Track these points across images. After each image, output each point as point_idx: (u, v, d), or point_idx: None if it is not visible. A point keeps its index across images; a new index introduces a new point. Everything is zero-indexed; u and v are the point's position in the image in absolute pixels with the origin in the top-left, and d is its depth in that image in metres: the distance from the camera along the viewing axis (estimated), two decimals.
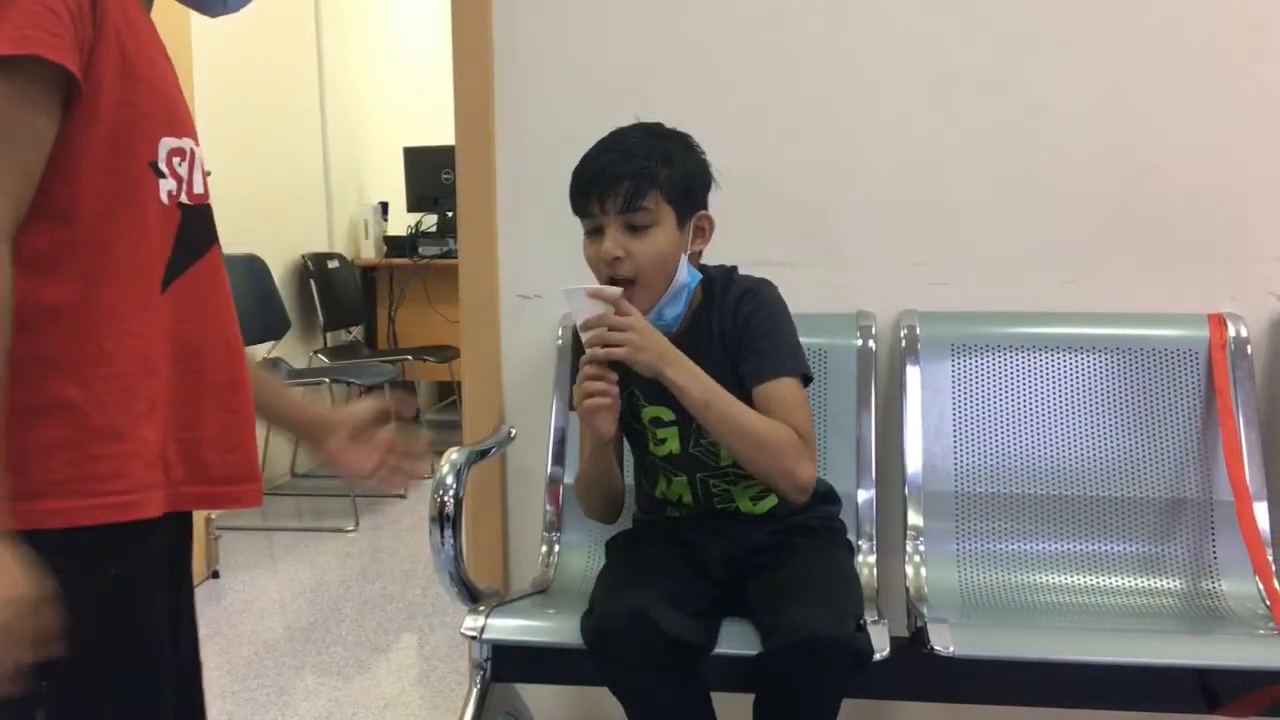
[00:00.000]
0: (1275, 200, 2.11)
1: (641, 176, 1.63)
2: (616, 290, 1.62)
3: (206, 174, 1.28)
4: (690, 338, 1.72)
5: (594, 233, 1.69)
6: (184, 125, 1.21)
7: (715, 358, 1.69)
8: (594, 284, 1.66)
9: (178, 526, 1.26)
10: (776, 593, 1.68)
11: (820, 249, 2.18)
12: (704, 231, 1.74)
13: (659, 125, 1.73)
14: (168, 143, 1.17)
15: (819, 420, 2.08)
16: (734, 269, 1.81)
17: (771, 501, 1.82)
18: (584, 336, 1.63)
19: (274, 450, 4.77)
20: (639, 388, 1.75)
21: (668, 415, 1.77)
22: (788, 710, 1.64)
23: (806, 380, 1.72)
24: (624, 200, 1.63)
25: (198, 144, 1.24)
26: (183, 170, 1.20)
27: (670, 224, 1.66)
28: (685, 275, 1.70)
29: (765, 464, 1.65)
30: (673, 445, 1.79)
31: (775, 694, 1.65)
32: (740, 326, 1.71)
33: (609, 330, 1.58)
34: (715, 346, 1.71)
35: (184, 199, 1.20)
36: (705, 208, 1.73)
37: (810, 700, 1.62)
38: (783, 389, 1.67)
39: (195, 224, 1.22)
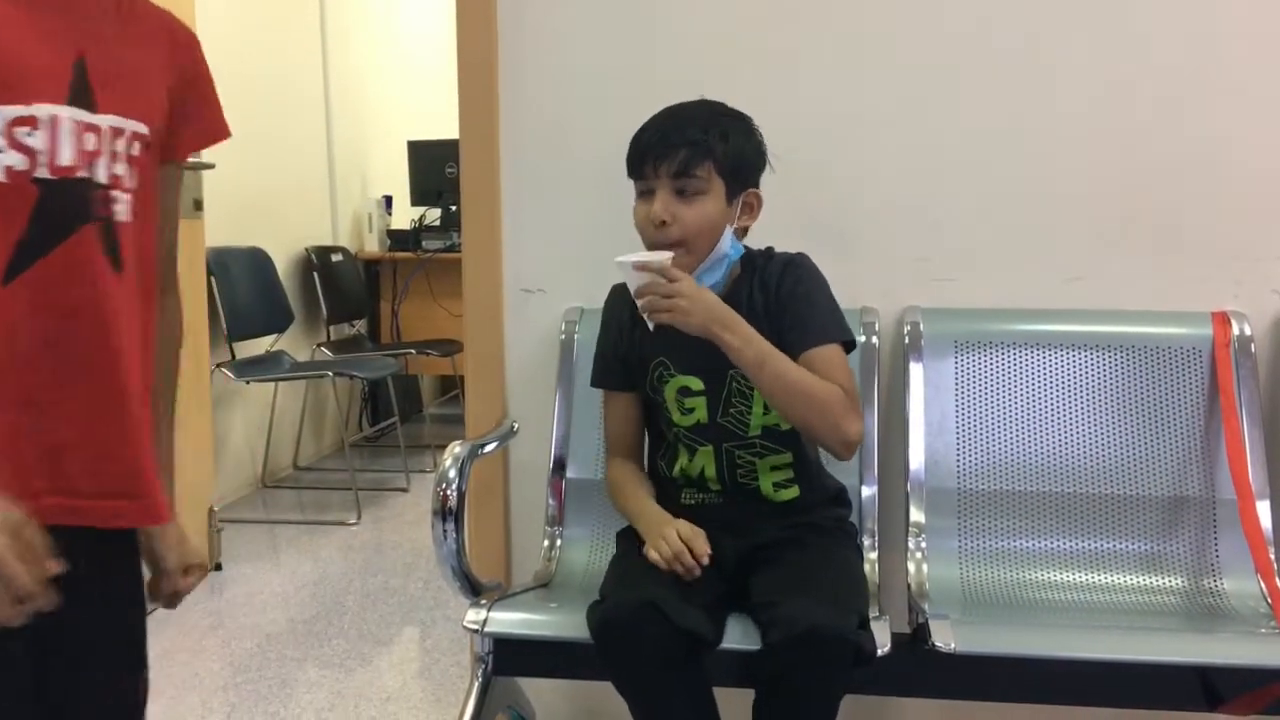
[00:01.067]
0: (1278, 198, 2.10)
1: (697, 146, 1.69)
2: (664, 256, 1.64)
3: (132, 153, 1.17)
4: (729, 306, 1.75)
5: (645, 194, 1.74)
6: (34, 89, 1.07)
7: (755, 325, 1.71)
8: (643, 253, 1.69)
9: (86, 542, 1.12)
10: (779, 587, 1.68)
11: (823, 245, 2.16)
12: (752, 208, 1.79)
13: (721, 104, 1.79)
14: (6, 111, 1.05)
15: None
16: (771, 248, 1.85)
17: (793, 493, 1.82)
18: (639, 304, 1.66)
19: (277, 443, 4.78)
20: (669, 357, 1.80)
21: (697, 384, 1.80)
22: (788, 706, 1.64)
23: (849, 346, 1.77)
24: (678, 166, 1.69)
25: (68, 105, 1.10)
26: (36, 141, 1.07)
27: (720, 195, 1.72)
28: (728, 246, 1.75)
29: (816, 420, 1.68)
30: (700, 415, 1.80)
31: (775, 689, 1.65)
32: (785, 296, 1.76)
33: (660, 298, 1.62)
34: (755, 315, 1.74)
35: (41, 173, 1.07)
36: (756, 186, 1.79)
37: (810, 696, 1.62)
38: (828, 353, 1.72)
39: (60, 200, 1.09)
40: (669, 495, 1.87)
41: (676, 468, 1.86)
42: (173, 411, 1.42)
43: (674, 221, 1.70)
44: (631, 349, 1.86)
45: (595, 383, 1.95)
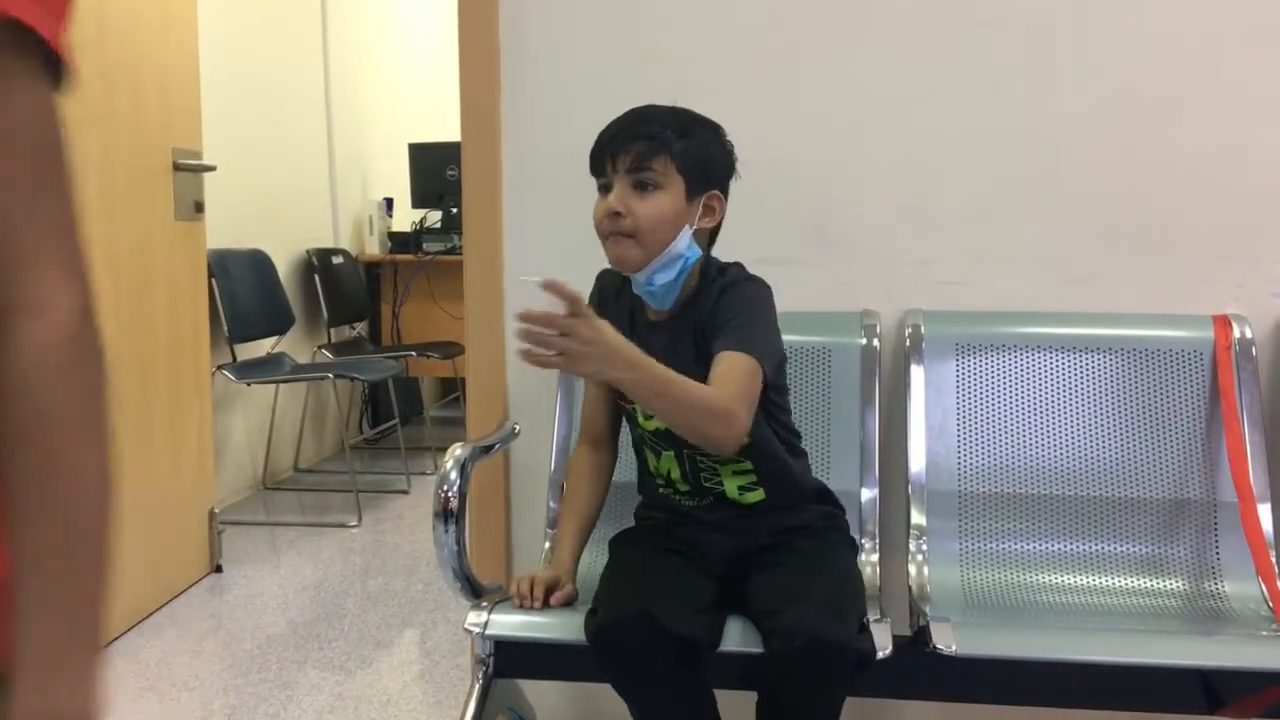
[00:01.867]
0: None
1: (654, 140, 1.68)
2: (574, 293, 1.46)
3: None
4: (678, 324, 1.76)
5: (604, 189, 1.72)
6: None
7: (689, 345, 1.72)
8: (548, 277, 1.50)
9: None
10: (778, 594, 1.68)
11: (824, 247, 2.18)
12: (713, 211, 1.76)
13: (690, 110, 1.76)
14: None
15: (823, 418, 2.10)
16: (738, 265, 1.81)
17: (758, 495, 1.81)
18: (515, 329, 1.46)
19: (278, 445, 4.78)
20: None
21: None
22: (790, 712, 1.65)
23: (766, 371, 1.67)
24: (633, 160, 1.68)
25: None
26: None
27: (677, 192, 1.69)
28: (684, 246, 1.71)
29: (703, 432, 1.63)
30: (659, 421, 1.76)
31: (778, 695, 1.65)
32: (724, 303, 1.71)
33: (559, 336, 1.45)
34: (695, 334, 1.73)
35: None
36: (722, 191, 1.76)
37: (813, 701, 1.62)
38: (733, 359, 1.64)
39: None
40: (649, 488, 1.91)
41: (650, 466, 1.88)
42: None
43: (627, 213, 1.67)
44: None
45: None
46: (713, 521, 1.82)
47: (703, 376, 1.64)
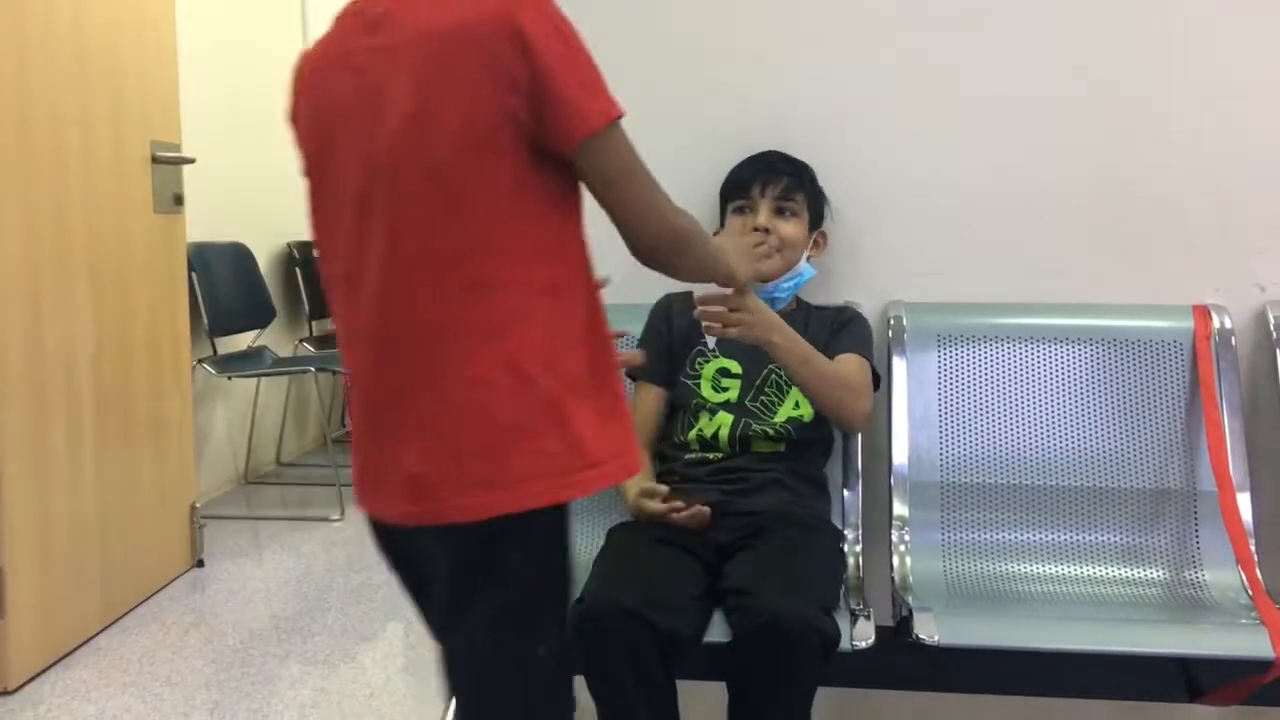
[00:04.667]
0: (1259, 192, 2.12)
1: (795, 177, 2.04)
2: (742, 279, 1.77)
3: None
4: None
5: (740, 210, 2.05)
6: None
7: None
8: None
9: None
10: (747, 577, 1.71)
11: None
12: (819, 245, 2.11)
13: (797, 159, 2.09)
14: None
15: None
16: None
17: (780, 447, 1.98)
18: (698, 311, 1.79)
19: (259, 439, 4.76)
20: (719, 344, 2.01)
21: (736, 368, 2.02)
22: (758, 696, 1.65)
23: (875, 379, 2.01)
24: (782, 189, 2.02)
25: None
26: None
27: (804, 223, 2.05)
28: (804, 265, 2.05)
29: (845, 400, 1.92)
30: (732, 395, 1.99)
31: (746, 681, 1.66)
32: (843, 319, 2.05)
33: (730, 311, 1.76)
34: (807, 332, 1.96)
35: None
36: (822, 226, 2.11)
37: (779, 684, 1.63)
38: (855, 361, 1.98)
39: None
40: (672, 460, 2.00)
41: (693, 432, 1.99)
42: None
43: (774, 230, 1.99)
44: (678, 338, 2.06)
45: (631, 373, 2.08)
46: (714, 483, 1.93)
47: None
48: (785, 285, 2.02)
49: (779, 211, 2.01)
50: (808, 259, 2.06)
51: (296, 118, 1.39)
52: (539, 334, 1.27)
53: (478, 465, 1.25)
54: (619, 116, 1.26)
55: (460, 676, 1.40)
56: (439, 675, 1.45)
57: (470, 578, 1.32)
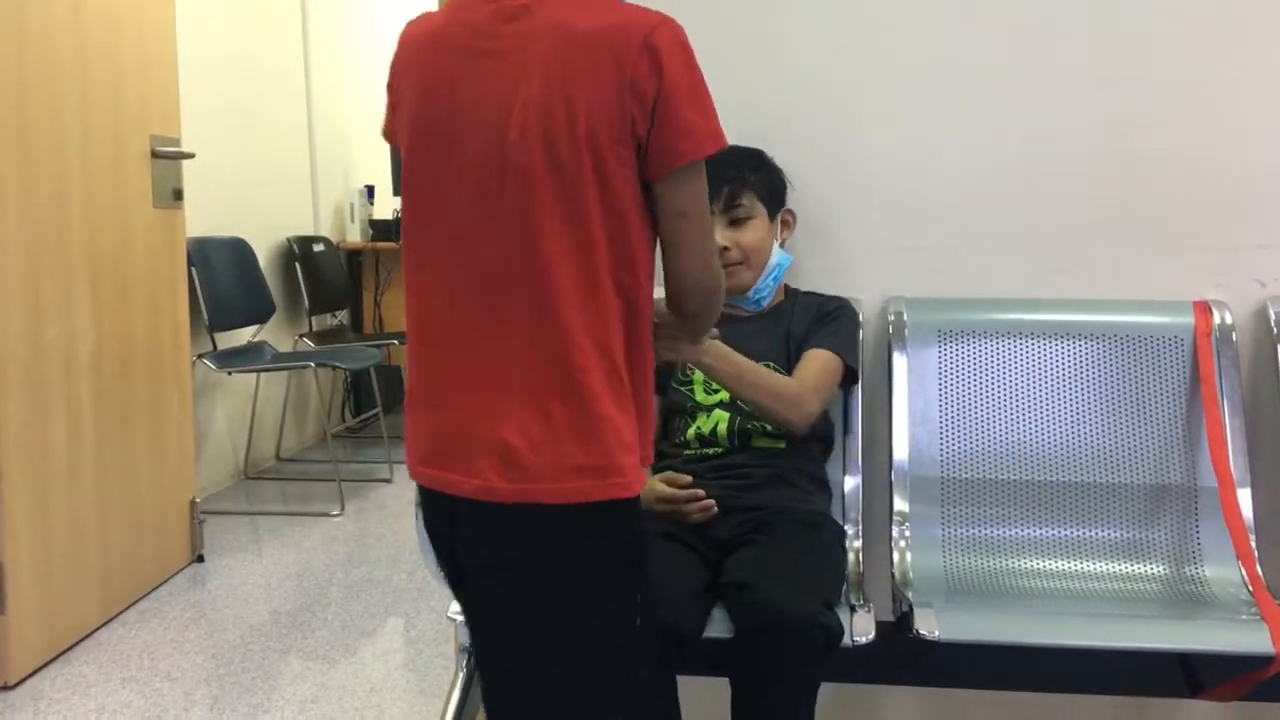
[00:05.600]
0: (1261, 187, 2.11)
1: (737, 181, 1.98)
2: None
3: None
4: (766, 319, 2.04)
5: None
6: None
7: (785, 331, 2.02)
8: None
9: None
10: (749, 571, 1.72)
11: (808, 235, 2.17)
12: (789, 224, 2.09)
13: (737, 144, 1.95)
14: None
15: None
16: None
17: (779, 444, 1.98)
18: None
19: (259, 434, 4.76)
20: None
21: None
22: (761, 692, 1.65)
23: (850, 373, 2.01)
24: (725, 201, 1.97)
25: None
26: None
27: (763, 217, 2.01)
28: (777, 257, 2.03)
29: (773, 412, 1.91)
30: (725, 395, 1.98)
31: (749, 677, 1.66)
32: (826, 309, 2.05)
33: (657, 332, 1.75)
34: (793, 323, 2.03)
35: None
36: (786, 205, 2.08)
37: (782, 679, 1.64)
38: (823, 356, 1.97)
39: None
40: (672, 458, 1.99)
41: (691, 431, 2.00)
42: None
43: (733, 246, 1.97)
44: None
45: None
46: (714, 478, 1.92)
47: (795, 357, 1.98)
48: (763, 286, 2.02)
49: (733, 223, 1.99)
50: (780, 244, 2.05)
51: (399, 85, 1.44)
52: (622, 332, 1.33)
53: (575, 449, 1.29)
54: (722, 148, 1.33)
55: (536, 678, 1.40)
56: (470, 664, 1.47)
57: (555, 565, 1.35)
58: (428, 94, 1.38)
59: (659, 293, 1.42)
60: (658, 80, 1.28)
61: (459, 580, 1.47)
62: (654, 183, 1.32)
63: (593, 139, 1.27)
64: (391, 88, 1.46)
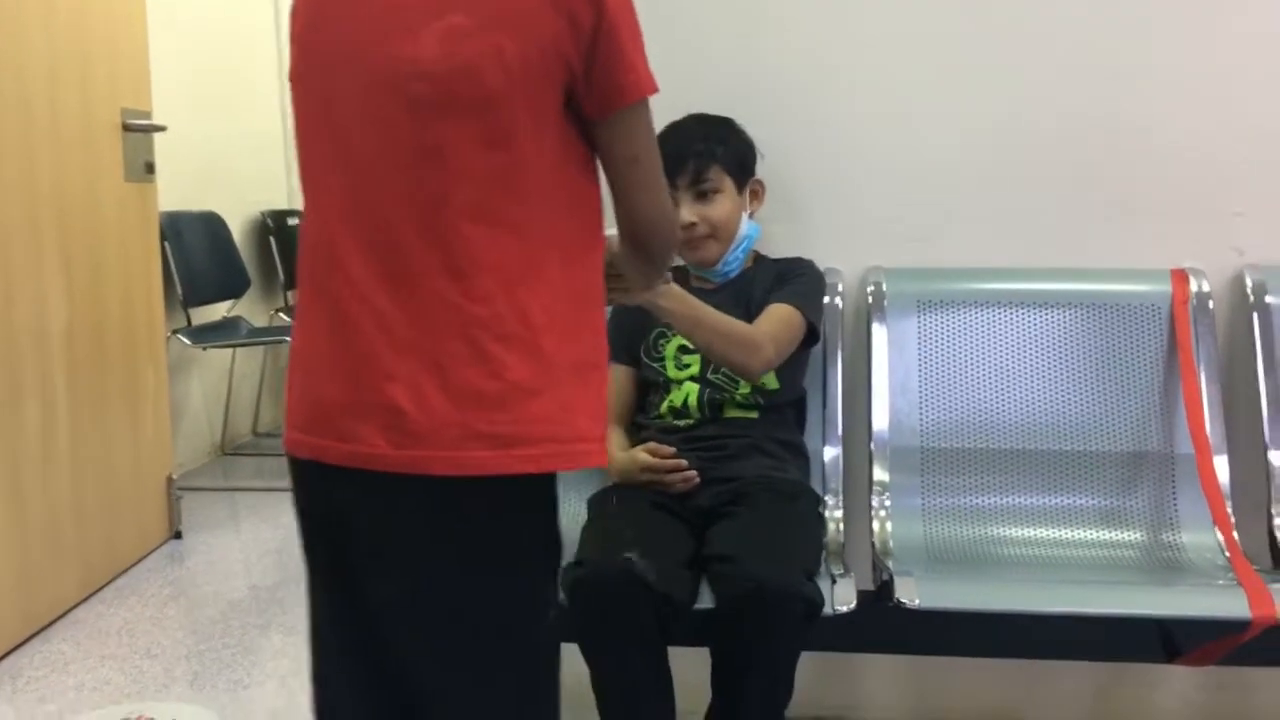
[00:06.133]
0: (1236, 156, 2.12)
1: (703, 155, 1.96)
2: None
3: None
4: (732, 289, 2.03)
5: None
6: None
7: (749, 298, 1.99)
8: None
9: None
10: (729, 542, 1.73)
11: (786, 207, 2.17)
12: (758, 194, 2.08)
13: (705, 114, 2.03)
14: None
15: None
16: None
17: (754, 414, 1.98)
18: None
19: (236, 409, 4.74)
20: None
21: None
22: (743, 662, 1.67)
23: (812, 331, 1.98)
24: (691, 176, 1.95)
25: None
26: None
27: (731, 190, 1.99)
28: (745, 228, 2.03)
29: (730, 358, 1.89)
30: (694, 369, 1.99)
31: (731, 647, 1.67)
32: (789, 269, 2.04)
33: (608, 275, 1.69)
34: (756, 288, 2.00)
35: None
36: (755, 175, 2.05)
37: (763, 650, 1.65)
38: (785, 310, 1.95)
39: None
40: (646, 430, 2.00)
41: (664, 405, 2.00)
42: None
43: (700, 220, 1.96)
44: (637, 319, 1.98)
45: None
46: (692, 448, 1.92)
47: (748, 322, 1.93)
48: (732, 258, 2.02)
49: (700, 197, 1.97)
50: (750, 215, 2.04)
51: (296, 16, 1.33)
52: (551, 291, 1.19)
53: (476, 414, 1.15)
54: (656, 90, 1.24)
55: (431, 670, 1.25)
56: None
57: (451, 550, 1.20)
58: (315, 25, 1.29)
59: (611, 231, 1.32)
60: (594, 12, 1.16)
61: (337, 573, 1.29)
62: (597, 125, 1.22)
63: (528, 74, 1.15)
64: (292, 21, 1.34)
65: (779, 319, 1.94)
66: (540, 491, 1.24)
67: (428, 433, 1.14)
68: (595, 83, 1.19)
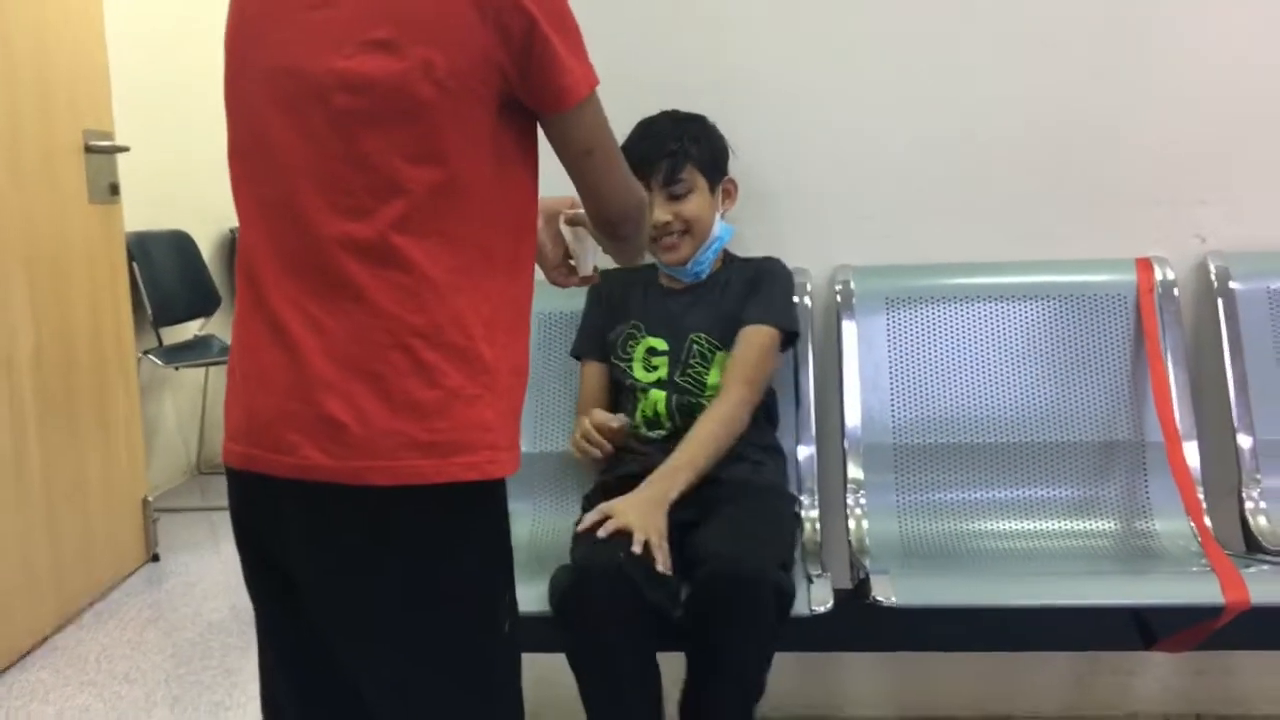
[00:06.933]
0: (1198, 144, 2.13)
1: (676, 155, 1.96)
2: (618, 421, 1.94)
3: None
4: (706, 287, 2.04)
5: None
6: None
7: (718, 301, 2.01)
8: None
9: None
10: (705, 547, 1.72)
11: (755, 204, 2.17)
12: (730, 194, 2.08)
13: (678, 111, 2.04)
14: None
15: None
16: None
17: None
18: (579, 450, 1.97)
19: (211, 428, 4.70)
20: (644, 321, 2.04)
21: (662, 345, 2.02)
22: (716, 647, 1.66)
23: (789, 335, 2.00)
24: (665, 175, 1.95)
25: None
26: None
27: (703, 189, 2.00)
28: (718, 229, 2.03)
29: (728, 441, 1.90)
30: (662, 373, 2.00)
31: (703, 641, 1.67)
32: (758, 275, 2.03)
33: (606, 519, 1.73)
34: (725, 293, 2.02)
35: None
36: (727, 174, 2.05)
37: (735, 635, 1.65)
38: (758, 334, 1.96)
39: None
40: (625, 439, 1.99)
41: (638, 414, 2.00)
42: None
43: (674, 218, 1.96)
44: (608, 317, 2.06)
45: (575, 353, 2.12)
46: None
47: (727, 328, 1.97)
48: (703, 259, 2.01)
49: (673, 197, 1.97)
50: (722, 215, 2.04)
51: (227, 26, 1.31)
52: (486, 301, 1.19)
53: (413, 424, 1.14)
54: (598, 83, 1.24)
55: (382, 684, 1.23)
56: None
57: (392, 565, 1.18)
58: (241, 29, 1.26)
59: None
60: (523, 17, 1.14)
61: (275, 586, 1.28)
62: (546, 122, 1.23)
63: (455, 85, 1.13)
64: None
65: (758, 350, 1.95)
66: (484, 498, 1.22)
67: (366, 443, 1.13)
68: (533, 87, 1.18)
